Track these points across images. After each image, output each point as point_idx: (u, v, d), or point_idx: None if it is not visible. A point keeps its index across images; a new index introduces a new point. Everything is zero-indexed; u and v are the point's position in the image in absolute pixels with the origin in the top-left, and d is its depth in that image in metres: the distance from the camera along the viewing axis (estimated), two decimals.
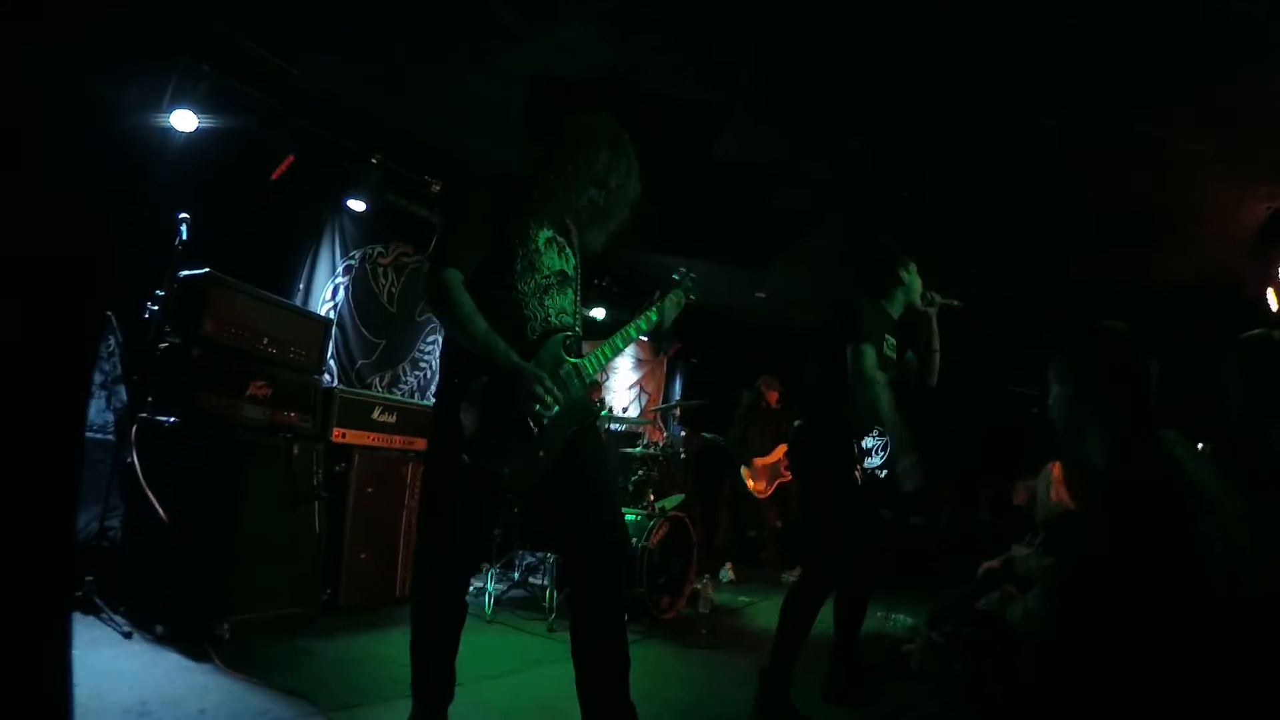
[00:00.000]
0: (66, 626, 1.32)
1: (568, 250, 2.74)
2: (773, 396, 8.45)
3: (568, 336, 2.61)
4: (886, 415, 3.45)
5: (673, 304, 3.10)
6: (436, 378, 2.79)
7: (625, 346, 2.87)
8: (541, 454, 2.44)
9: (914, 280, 3.90)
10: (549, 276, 2.61)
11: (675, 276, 3.14)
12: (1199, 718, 1.65)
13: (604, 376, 8.51)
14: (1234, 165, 5.36)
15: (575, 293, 2.75)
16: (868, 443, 6.84)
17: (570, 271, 2.73)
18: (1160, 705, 1.67)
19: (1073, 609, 1.90)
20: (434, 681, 2.54)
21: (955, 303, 3.92)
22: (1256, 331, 2.40)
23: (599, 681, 2.51)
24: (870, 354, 3.51)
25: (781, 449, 8.04)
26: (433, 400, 2.69)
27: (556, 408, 2.43)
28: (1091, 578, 1.84)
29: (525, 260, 2.55)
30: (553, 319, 2.59)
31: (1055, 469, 4.66)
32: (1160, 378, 2.03)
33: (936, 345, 3.97)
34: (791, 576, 7.93)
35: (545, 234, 2.63)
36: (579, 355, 2.65)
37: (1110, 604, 1.76)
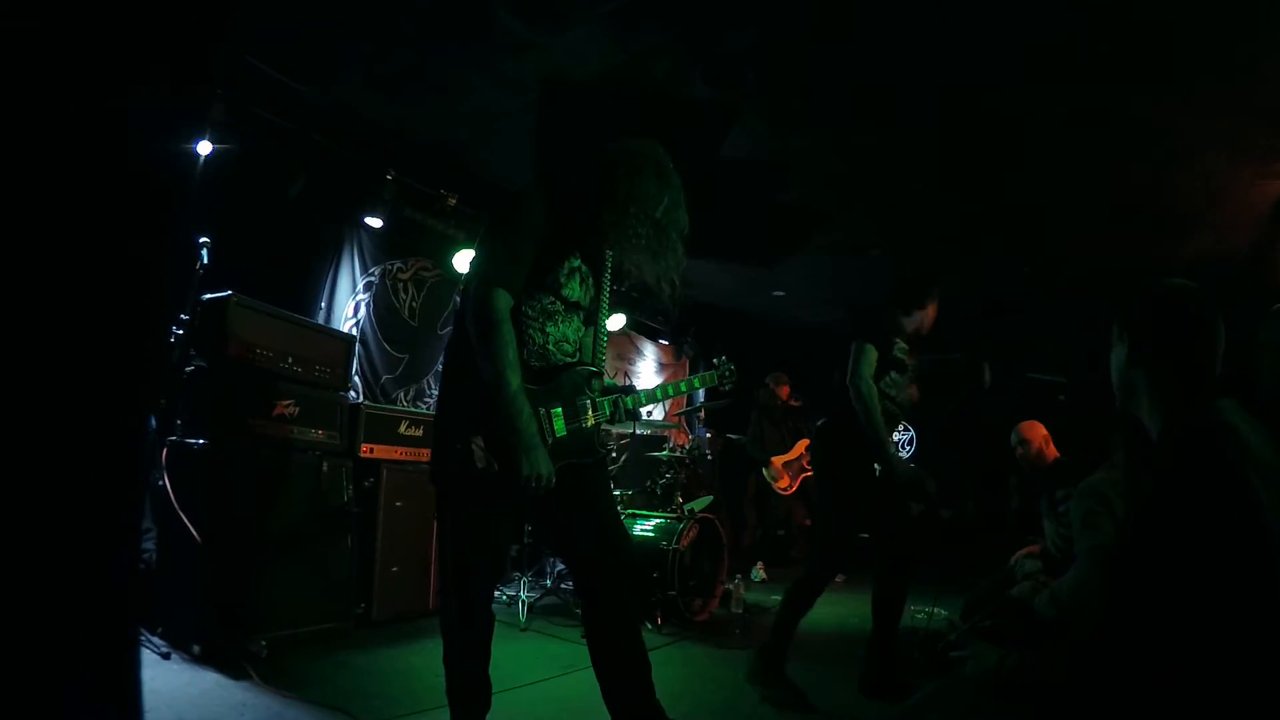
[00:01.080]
0: (137, 652, 1.34)
1: (590, 280, 2.66)
2: (784, 392, 8.44)
3: (589, 372, 2.61)
4: (868, 418, 3.58)
5: (703, 383, 3.17)
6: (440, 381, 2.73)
7: (650, 403, 2.83)
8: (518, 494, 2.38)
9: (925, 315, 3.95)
10: (556, 303, 2.54)
11: (715, 362, 3.17)
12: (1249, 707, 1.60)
13: (624, 381, 8.53)
14: (1245, 147, 5.30)
15: (584, 321, 2.68)
16: (894, 437, 6.81)
17: (586, 301, 2.66)
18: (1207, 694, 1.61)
19: (1120, 588, 1.81)
20: (471, 693, 2.55)
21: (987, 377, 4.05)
22: None
23: (623, 690, 2.50)
24: (870, 353, 3.63)
25: (802, 445, 8.04)
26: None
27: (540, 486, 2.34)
28: (1140, 554, 1.76)
29: (540, 285, 2.48)
30: (550, 347, 2.53)
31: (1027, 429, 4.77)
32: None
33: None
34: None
35: (573, 262, 2.56)
36: (601, 391, 2.64)
37: (1159, 583, 1.68)
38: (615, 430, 7.37)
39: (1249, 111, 4.84)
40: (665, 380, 9.95)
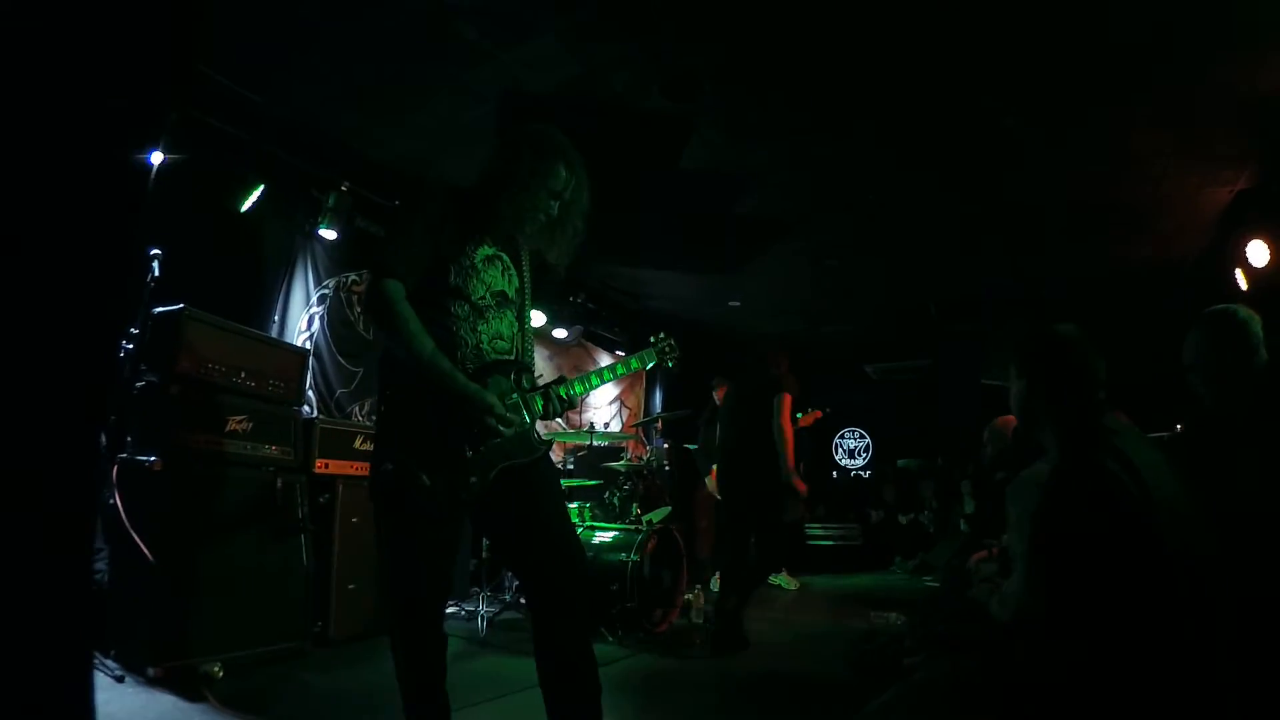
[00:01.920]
0: (89, 672, 1.31)
1: (511, 270, 2.61)
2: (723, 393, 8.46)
3: (517, 367, 2.54)
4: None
5: (641, 362, 3.00)
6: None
7: (585, 391, 2.70)
8: (472, 479, 2.34)
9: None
10: (485, 298, 2.49)
11: (653, 339, 3.05)
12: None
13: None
14: (1194, 155, 5.47)
15: (516, 315, 2.63)
16: (849, 444, 6.91)
17: (512, 293, 2.60)
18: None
19: (1042, 597, 2.00)
20: (426, 710, 2.48)
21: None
22: (1219, 307, 2.57)
23: (572, 707, 2.44)
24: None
25: None
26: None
27: (510, 431, 2.36)
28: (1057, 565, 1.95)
29: (460, 278, 2.43)
30: (485, 345, 2.47)
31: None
32: (1127, 364, 2.21)
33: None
34: (778, 580, 7.97)
35: (485, 250, 2.51)
36: (530, 386, 2.55)
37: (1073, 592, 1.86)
38: (571, 442, 7.37)
39: (1199, 120, 4.99)
40: (622, 393, 9.95)
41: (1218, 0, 3.91)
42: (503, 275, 2.56)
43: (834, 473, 11.25)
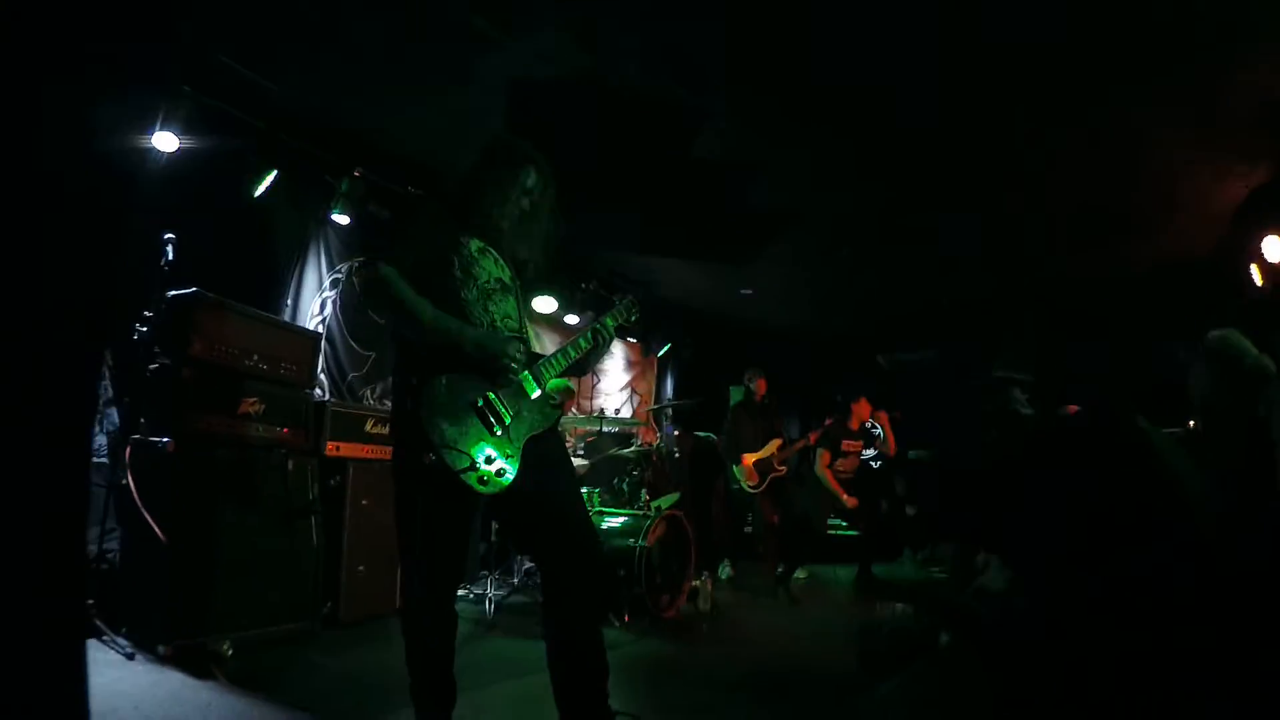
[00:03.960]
0: (83, 651, 1.33)
1: (501, 261, 2.77)
2: (761, 386, 8.47)
3: (522, 343, 2.64)
4: None
5: (608, 326, 3.01)
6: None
7: (575, 356, 2.85)
8: (507, 453, 2.47)
9: None
10: (489, 283, 2.67)
11: (616, 299, 3.15)
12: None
13: (591, 379, 8.51)
14: (1209, 151, 5.43)
15: (516, 300, 2.79)
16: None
17: (508, 280, 2.78)
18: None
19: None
20: (434, 691, 2.56)
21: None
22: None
23: (578, 688, 2.56)
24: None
25: (774, 444, 8.06)
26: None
27: (521, 370, 2.56)
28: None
29: (462, 268, 2.60)
30: (499, 324, 2.64)
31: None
32: (1141, 361, 2.23)
33: None
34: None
35: (476, 244, 2.68)
36: (532, 361, 2.68)
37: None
38: (581, 428, 7.40)
39: (1218, 118, 4.95)
40: (633, 379, 9.96)
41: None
42: (495, 265, 2.74)
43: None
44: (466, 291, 2.58)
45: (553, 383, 2.78)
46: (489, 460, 2.42)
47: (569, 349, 2.81)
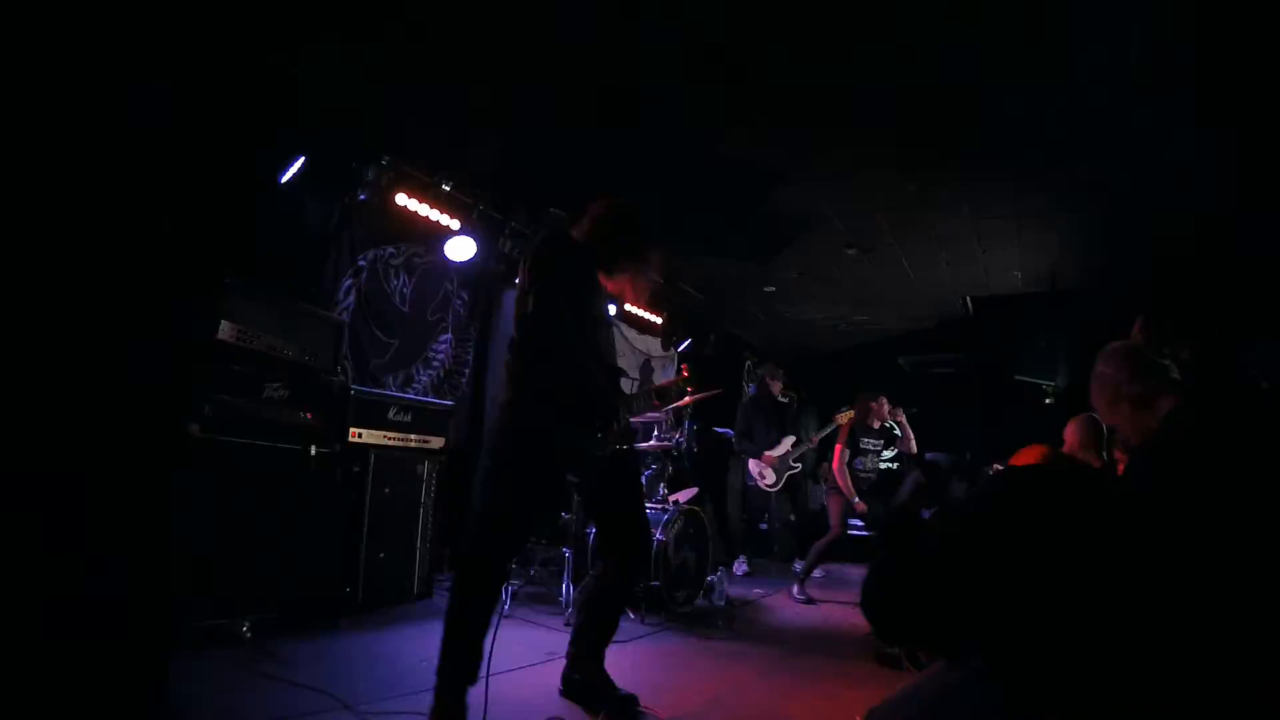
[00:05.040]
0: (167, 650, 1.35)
1: (605, 300, 3.55)
2: (776, 387, 8.48)
3: (619, 373, 3.39)
4: None
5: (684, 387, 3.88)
6: (513, 388, 3.20)
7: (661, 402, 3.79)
8: (599, 452, 3.16)
9: None
10: (601, 315, 3.43)
11: (680, 379, 3.90)
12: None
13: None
14: None
15: (612, 334, 3.53)
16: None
17: (608, 318, 3.53)
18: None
19: None
20: (469, 661, 2.86)
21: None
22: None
23: (608, 633, 3.37)
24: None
25: (789, 442, 8.08)
26: (501, 405, 3.20)
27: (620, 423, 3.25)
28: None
29: (595, 308, 3.35)
30: (606, 351, 3.35)
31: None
32: None
33: None
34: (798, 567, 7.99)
35: (599, 289, 3.44)
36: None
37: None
38: None
39: None
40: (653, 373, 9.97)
41: None
42: (602, 303, 3.50)
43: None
44: (593, 327, 3.28)
45: None
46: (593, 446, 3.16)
47: (654, 394, 3.72)
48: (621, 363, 3.63)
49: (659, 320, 9.05)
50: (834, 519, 6.64)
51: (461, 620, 2.88)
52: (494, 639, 2.89)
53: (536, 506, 3.17)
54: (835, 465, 6.71)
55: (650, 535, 3.55)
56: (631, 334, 9.23)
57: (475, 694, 2.79)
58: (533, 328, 3.08)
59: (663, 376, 10.17)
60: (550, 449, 3.04)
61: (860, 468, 6.78)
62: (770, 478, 8.04)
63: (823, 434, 7.75)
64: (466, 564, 3.09)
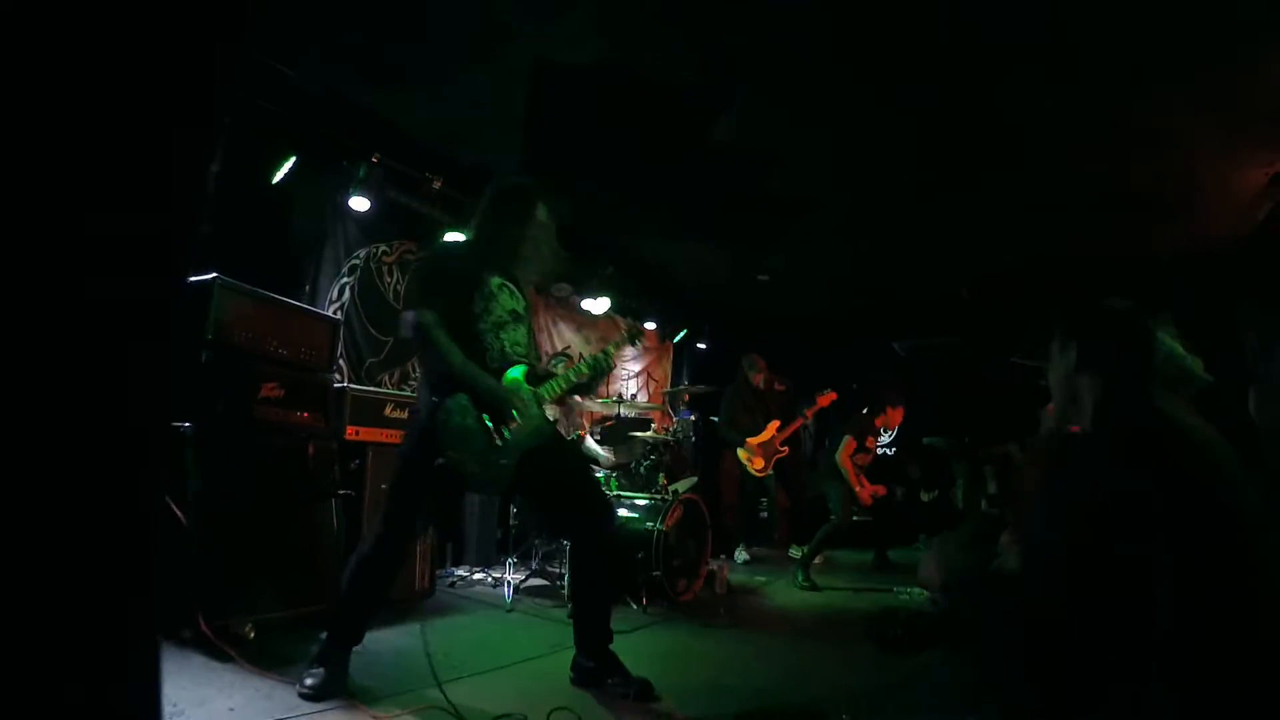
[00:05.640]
0: (157, 649, 1.34)
1: (518, 293, 3.41)
2: (757, 378, 8.52)
3: (530, 367, 3.30)
4: None
5: (614, 349, 3.70)
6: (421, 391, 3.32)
7: (576, 380, 3.45)
8: (502, 461, 3.15)
9: None
10: (503, 315, 3.29)
11: (622, 323, 3.77)
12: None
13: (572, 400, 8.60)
14: (1231, 139, 5.38)
15: (528, 328, 3.44)
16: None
17: (521, 310, 3.40)
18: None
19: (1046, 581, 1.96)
20: (355, 628, 3.24)
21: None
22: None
23: (601, 606, 3.43)
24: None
25: (773, 426, 8.13)
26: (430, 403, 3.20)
27: (529, 414, 3.20)
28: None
29: (482, 304, 3.24)
30: (508, 349, 3.28)
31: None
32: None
33: None
34: (798, 553, 8.02)
35: (496, 280, 3.31)
36: (537, 383, 3.30)
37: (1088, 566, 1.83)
38: (598, 412, 7.43)
39: (1240, 104, 4.91)
40: (649, 365, 9.97)
41: None
42: (511, 297, 3.36)
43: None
44: (482, 323, 3.23)
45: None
46: (485, 463, 3.12)
47: (570, 374, 3.43)
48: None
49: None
50: (838, 506, 6.73)
51: (358, 596, 3.25)
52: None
53: (420, 507, 3.32)
54: (843, 455, 6.79)
55: (596, 497, 3.51)
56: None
57: (481, 690, 2.78)
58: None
59: (657, 369, 10.18)
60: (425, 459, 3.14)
61: (859, 462, 6.92)
62: (759, 463, 8.10)
63: (813, 410, 7.97)
64: (368, 547, 3.27)
